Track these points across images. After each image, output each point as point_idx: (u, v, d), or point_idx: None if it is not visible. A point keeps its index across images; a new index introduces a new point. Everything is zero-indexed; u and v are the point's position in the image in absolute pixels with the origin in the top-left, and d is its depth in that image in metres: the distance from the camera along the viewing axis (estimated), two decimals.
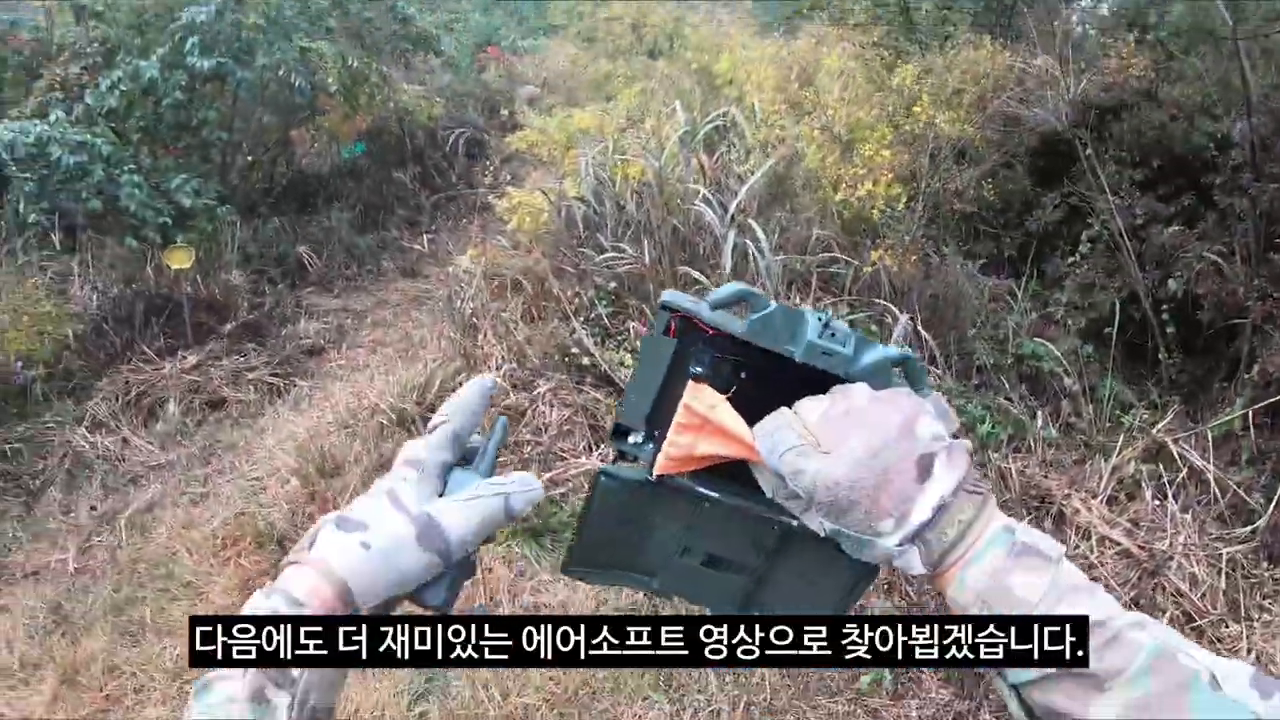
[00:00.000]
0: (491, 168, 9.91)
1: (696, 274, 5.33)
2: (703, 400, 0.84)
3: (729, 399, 0.85)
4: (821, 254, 5.59)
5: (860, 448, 0.75)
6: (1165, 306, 5.28)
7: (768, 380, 0.87)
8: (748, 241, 5.28)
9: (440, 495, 0.82)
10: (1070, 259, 5.70)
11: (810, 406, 0.81)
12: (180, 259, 6.59)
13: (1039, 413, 4.95)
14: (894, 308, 5.12)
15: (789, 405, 0.83)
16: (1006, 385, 5.13)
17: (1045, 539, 0.75)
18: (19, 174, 6.10)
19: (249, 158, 9.25)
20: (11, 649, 4.19)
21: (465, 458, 0.88)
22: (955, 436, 0.80)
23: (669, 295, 0.89)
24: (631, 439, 0.92)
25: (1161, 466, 4.47)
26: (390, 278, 8.64)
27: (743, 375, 0.88)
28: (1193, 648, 0.69)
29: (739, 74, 7.87)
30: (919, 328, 5.06)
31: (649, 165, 5.91)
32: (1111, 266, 5.61)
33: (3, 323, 5.83)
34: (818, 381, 0.84)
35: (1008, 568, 0.73)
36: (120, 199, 6.49)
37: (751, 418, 0.82)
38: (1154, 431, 4.64)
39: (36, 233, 6.32)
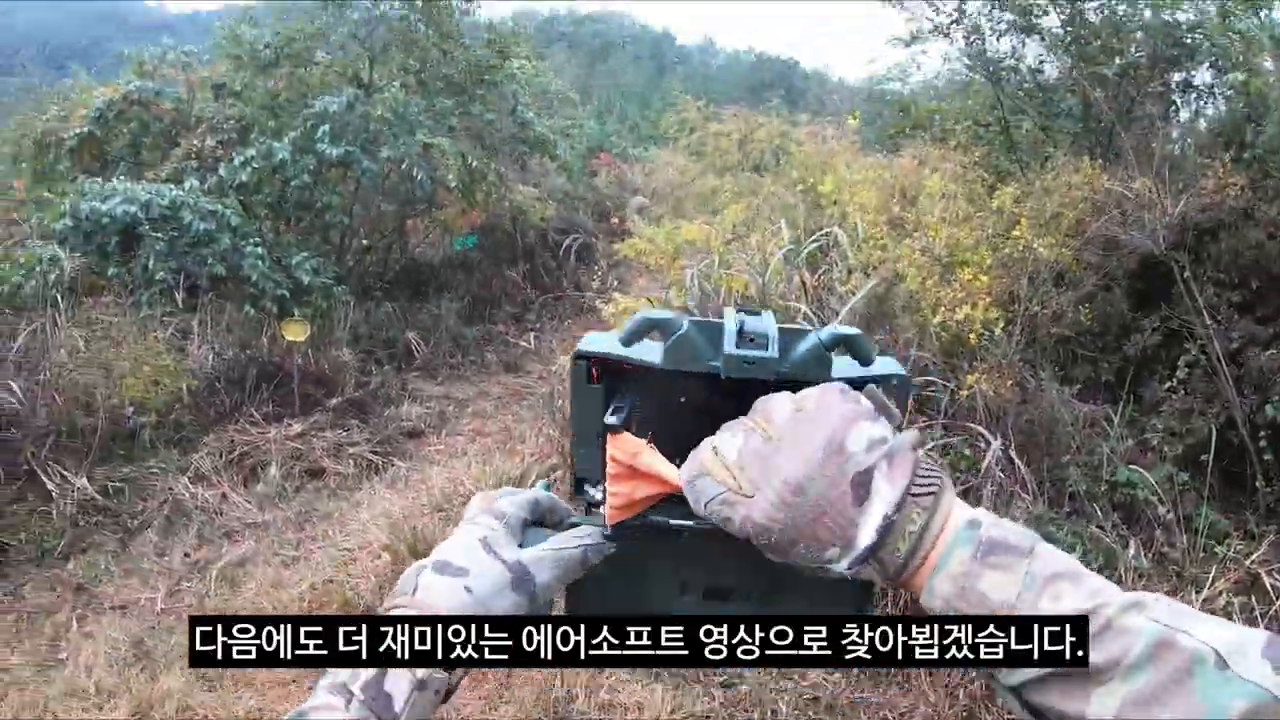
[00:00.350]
0: (599, 272, 10.17)
1: None
2: (625, 450, 0.82)
3: (658, 430, 0.83)
4: (918, 377, 5.56)
5: (785, 485, 0.71)
6: (1263, 432, 5.10)
7: (707, 399, 0.83)
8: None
9: (520, 547, 0.87)
10: (1168, 384, 5.57)
11: (728, 443, 0.75)
12: (296, 332, 6.91)
13: (1131, 542, 4.74)
14: (987, 433, 5.06)
15: (737, 417, 0.79)
16: (1099, 513, 4.94)
17: (1015, 529, 0.71)
18: (151, 232, 6.56)
19: (364, 242, 9.72)
20: (90, 673, 4.31)
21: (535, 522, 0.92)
22: (901, 428, 0.76)
23: (583, 343, 0.88)
24: (594, 491, 0.91)
25: (1254, 599, 4.27)
26: (493, 370, 8.87)
27: (682, 399, 0.86)
28: (1198, 623, 0.65)
29: (843, 194, 8.01)
30: (1011, 454, 4.98)
31: (753, 280, 6.00)
32: (1210, 391, 5.45)
33: (122, 369, 6.18)
34: (752, 390, 0.79)
35: (975, 571, 0.69)
36: (243, 268, 6.90)
37: (696, 441, 0.78)
38: (1248, 563, 4.46)
39: (162, 289, 6.73)
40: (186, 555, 5.38)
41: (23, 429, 5.62)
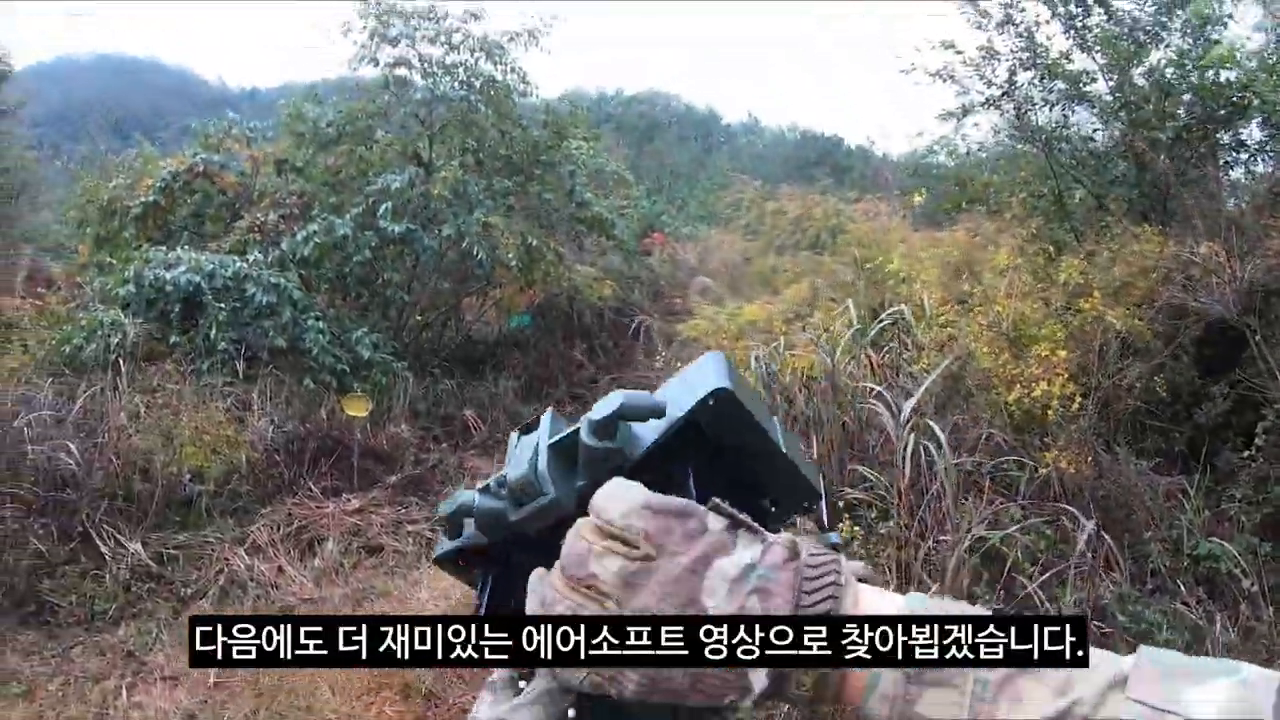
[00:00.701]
0: (662, 353, 10.15)
1: (866, 471, 5.22)
2: None
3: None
4: (995, 456, 5.43)
5: (642, 669, 0.65)
6: None
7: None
8: (925, 443, 5.13)
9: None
10: (1245, 452, 5.44)
11: None
12: (358, 407, 6.93)
13: (1218, 617, 4.66)
14: (1070, 509, 4.93)
15: None
16: (1183, 589, 4.83)
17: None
18: (214, 302, 6.63)
19: (420, 318, 9.78)
20: None
21: None
22: (766, 530, 0.68)
23: (434, 554, 0.92)
24: None
25: None
26: None
27: (557, 525, 0.82)
28: (1193, 688, 0.56)
29: (907, 271, 7.97)
30: (1102, 533, 4.83)
31: (821, 361, 5.92)
32: None
33: (181, 436, 6.20)
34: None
35: (912, 694, 0.62)
36: (304, 341, 6.96)
37: None
38: None
39: (223, 359, 6.79)
40: None
41: (79, 490, 5.64)
